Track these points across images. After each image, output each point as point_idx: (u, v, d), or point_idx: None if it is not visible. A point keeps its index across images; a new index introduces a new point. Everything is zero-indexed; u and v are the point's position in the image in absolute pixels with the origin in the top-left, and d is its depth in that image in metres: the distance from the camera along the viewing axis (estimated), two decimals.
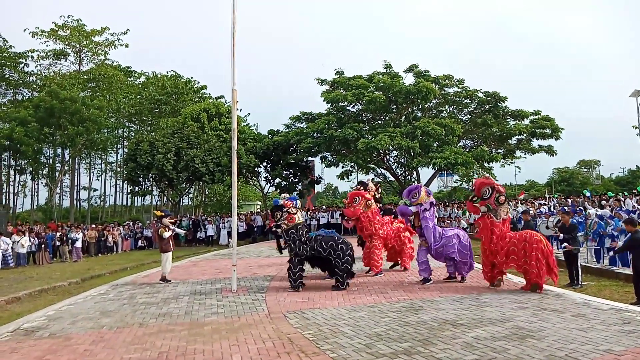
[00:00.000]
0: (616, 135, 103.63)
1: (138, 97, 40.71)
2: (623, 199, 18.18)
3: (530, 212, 16.09)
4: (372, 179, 11.90)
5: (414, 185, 10.59)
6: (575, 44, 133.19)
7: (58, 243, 20.41)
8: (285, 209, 9.49)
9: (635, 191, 23.54)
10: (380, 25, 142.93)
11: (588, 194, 22.27)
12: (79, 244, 20.54)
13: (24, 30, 36.83)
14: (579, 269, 9.80)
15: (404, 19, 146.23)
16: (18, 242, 18.39)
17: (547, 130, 27.16)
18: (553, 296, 8.05)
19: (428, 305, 7.70)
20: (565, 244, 9.77)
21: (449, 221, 22.90)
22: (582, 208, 16.59)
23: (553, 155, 28.59)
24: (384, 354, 5.22)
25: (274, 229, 9.66)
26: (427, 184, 27.06)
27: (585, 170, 69.77)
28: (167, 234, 11.48)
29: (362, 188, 11.32)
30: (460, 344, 5.47)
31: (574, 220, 12.11)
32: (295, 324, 6.75)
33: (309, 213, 25.80)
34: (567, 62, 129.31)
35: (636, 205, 16.65)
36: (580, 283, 9.59)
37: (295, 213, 9.51)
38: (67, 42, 38.56)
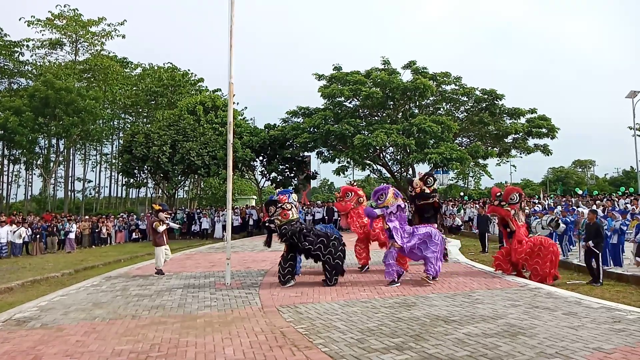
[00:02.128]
0: (612, 135, 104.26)
1: (134, 88, 40.40)
2: (617, 199, 18.32)
3: (526, 210, 16.13)
4: (420, 175, 11.15)
5: (382, 187, 9.83)
6: (575, 47, 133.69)
7: None
8: (279, 205, 9.45)
9: (627, 192, 23.77)
10: (382, 29, 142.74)
11: (581, 192, 22.44)
12: (72, 235, 20.48)
13: (20, 19, 36.44)
14: (600, 267, 9.80)
15: (406, 24, 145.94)
16: (15, 232, 18.28)
17: (543, 130, 27.25)
18: (545, 294, 8.11)
19: (421, 301, 7.75)
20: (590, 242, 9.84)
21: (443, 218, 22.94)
22: (574, 207, 16.69)
23: (548, 155, 28.75)
24: (376, 349, 5.24)
25: (267, 224, 9.68)
26: None
27: (580, 170, 70.25)
28: (161, 228, 11.45)
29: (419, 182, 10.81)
30: (452, 340, 5.50)
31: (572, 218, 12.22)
32: (288, 318, 6.77)
33: (303, 208, 25.79)
34: (567, 64, 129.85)
35: (628, 205, 16.76)
36: (600, 281, 9.64)
37: (290, 209, 9.39)
38: (63, 32, 38.13)
